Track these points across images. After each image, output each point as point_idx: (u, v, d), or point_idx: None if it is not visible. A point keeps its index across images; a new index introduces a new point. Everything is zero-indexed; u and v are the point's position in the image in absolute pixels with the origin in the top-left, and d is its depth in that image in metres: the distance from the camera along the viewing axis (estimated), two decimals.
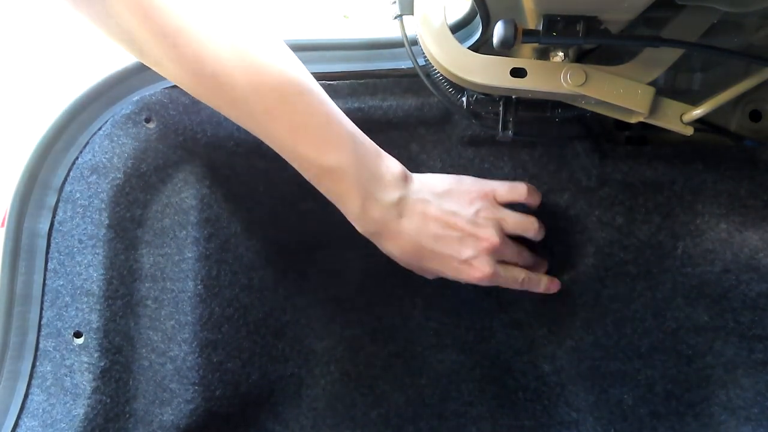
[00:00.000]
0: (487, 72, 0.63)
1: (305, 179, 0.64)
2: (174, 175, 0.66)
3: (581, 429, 0.81)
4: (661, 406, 0.81)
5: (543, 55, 0.65)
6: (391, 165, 0.65)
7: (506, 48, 0.57)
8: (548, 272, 0.80)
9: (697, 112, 0.63)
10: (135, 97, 0.63)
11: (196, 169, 0.68)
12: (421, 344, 0.85)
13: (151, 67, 0.58)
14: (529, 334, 0.81)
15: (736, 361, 0.78)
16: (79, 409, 0.61)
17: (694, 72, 0.73)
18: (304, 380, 0.81)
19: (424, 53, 0.66)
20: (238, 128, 0.66)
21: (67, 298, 0.62)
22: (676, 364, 0.81)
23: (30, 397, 0.61)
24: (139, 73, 0.65)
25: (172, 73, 0.57)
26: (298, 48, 0.71)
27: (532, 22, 0.61)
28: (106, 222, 0.62)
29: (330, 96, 0.69)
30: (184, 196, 0.67)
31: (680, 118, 0.64)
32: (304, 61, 0.72)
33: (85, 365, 0.61)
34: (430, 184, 0.67)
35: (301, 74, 0.61)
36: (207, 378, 0.69)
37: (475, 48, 0.69)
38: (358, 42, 0.72)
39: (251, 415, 0.77)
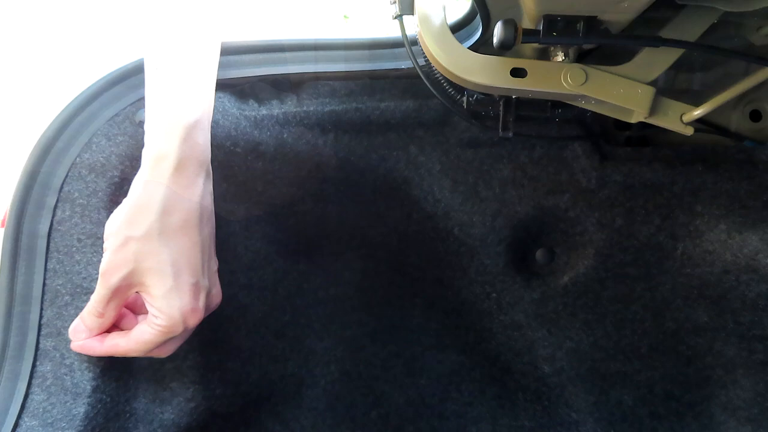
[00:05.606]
0: (487, 72, 0.63)
1: (305, 181, 0.63)
2: None
3: (581, 430, 0.81)
4: (661, 407, 0.81)
5: (543, 55, 0.65)
6: None
7: (506, 48, 0.57)
8: (548, 274, 0.80)
9: (697, 112, 0.63)
10: (133, 97, 0.63)
11: None
12: (421, 344, 0.85)
13: None
14: (528, 335, 0.81)
15: (736, 362, 0.78)
16: (80, 408, 0.61)
17: (694, 72, 0.73)
18: (304, 380, 0.81)
19: (424, 53, 0.66)
20: (236, 128, 0.66)
21: (67, 297, 0.62)
22: (676, 365, 0.81)
23: (30, 396, 0.61)
24: (137, 74, 0.65)
25: None
26: (299, 48, 0.71)
27: (532, 22, 0.61)
28: (105, 220, 0.62)
29: (327, 97, 0.68)
30: None
31: (680, 118, 0.64)
32: (305, 61, 0.72)
33: (85, 364, 0.61)
34: None
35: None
36: (207, 377, 0.69)
37: (475, 48, 0.69)
38: (358, 42, 0.72)
39: (251, 414, 0.77)
